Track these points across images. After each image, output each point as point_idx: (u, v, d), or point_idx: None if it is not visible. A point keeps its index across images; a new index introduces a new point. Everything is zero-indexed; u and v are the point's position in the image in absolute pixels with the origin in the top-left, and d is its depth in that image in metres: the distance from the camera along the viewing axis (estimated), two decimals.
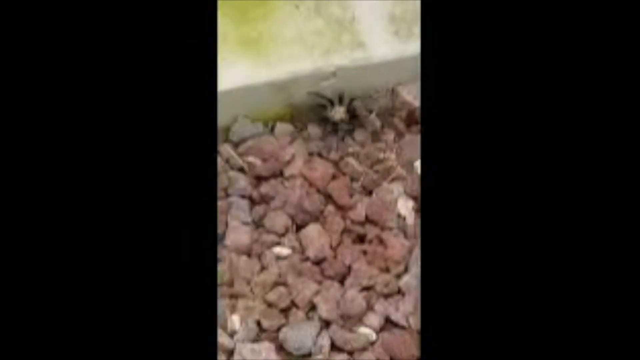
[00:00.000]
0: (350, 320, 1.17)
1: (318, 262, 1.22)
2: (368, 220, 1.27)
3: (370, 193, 1.30)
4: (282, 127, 1.34)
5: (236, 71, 1.28)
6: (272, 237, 1.24)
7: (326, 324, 1.17)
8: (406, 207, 1.28)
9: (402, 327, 1.17)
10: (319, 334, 1.16)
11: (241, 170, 1.30)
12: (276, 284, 1.21)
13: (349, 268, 1.22)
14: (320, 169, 1.30)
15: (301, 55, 1.33)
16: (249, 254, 1.23)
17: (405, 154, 1.33)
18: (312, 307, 1.19)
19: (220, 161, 1.29)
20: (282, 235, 1.25)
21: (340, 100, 1.34)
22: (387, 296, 1.20)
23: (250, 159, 1.30)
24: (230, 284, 1.20)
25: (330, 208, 1.28)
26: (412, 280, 1.20)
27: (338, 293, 1.19)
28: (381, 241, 1.25)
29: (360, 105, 1.35)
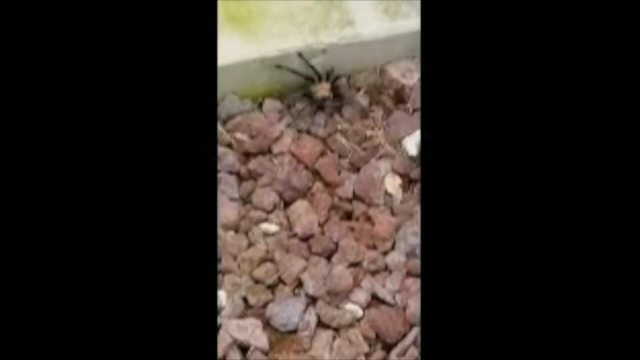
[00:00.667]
0: (337, 296, 1.17)
1: (305, 239, 1.23)
2: (355, 197, 1.27)
3: (358, 170, 1.30)
4: (271, 104, 1.34)
5: (225, 48, 1.27)
6: (259, 214, 1.25)
7: (313, 300, 1.18)
8: (393, 185, 1.28)
9: (389, 304, 1.17)
10: (305, 310, 1.17)
11: (229, 146, 1.29)
12: (263, 260, 1.21)
13: (336, 245, 1.22)
14: (309, 146, 1.30)
15: (290, 33, 1.33)
16: (236, 230, 1.24)
17: (393, 131, 1.33)
18: (299, 284, 1.19)
19: None
20: (270, 211, 1.25)
21: (327, 77, 1.34)
22: (374, 273, 1.20)
23: (239, 135, 1.30)
24: (217, 259, 1.20)
25: (318, 185, 1.28)
26: (399, 257, 1.21)
27: (325, 269, 1.19)
28: (368, 218, 1.25)
29: (344, 84, 1.35)
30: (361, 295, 1.17)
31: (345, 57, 1.35)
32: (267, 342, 1.14)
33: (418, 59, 1.39)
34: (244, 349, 1.14)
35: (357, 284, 1.19)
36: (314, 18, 1.35)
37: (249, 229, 1.24)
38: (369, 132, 1.33)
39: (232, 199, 1.25)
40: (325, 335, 1.15)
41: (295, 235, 1.23)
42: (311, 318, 1.16)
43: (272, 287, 1.19)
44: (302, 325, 1.15)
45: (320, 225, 1.24)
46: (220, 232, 1.22)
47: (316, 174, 1.29)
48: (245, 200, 1.26)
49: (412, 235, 1.22)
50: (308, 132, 1.32)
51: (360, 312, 1.17)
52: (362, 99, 1.36)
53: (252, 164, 1.28)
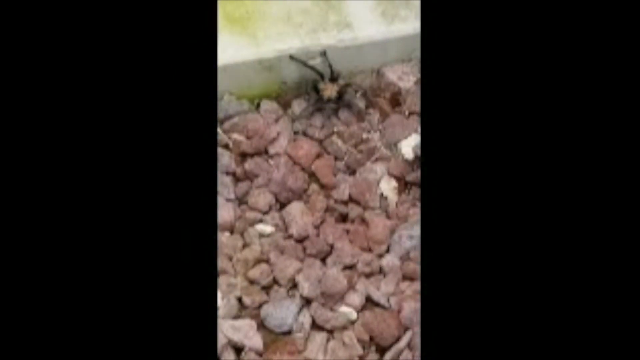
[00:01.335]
0: (332, 298, 1.17)
1: (301, 240, 1.23)
2: (351, 199, 1.28)
3: (353, 172, 1.30)
4: (268, 105, 1.34)
5: (222, 48, 1.27)
6: (255, 215, 1.25)
7: (307, 301, 1.18)
8: (389, 188, 1.29)
9: (383, 307, 1.18)
10: (300, 311, 1.17)
11: (226, 147, 1.30)
12: (258, 261, 1.21)
13: (331, 247, 1.22)
14: (305, 148, 1.30)
15: (288, 34, 1.33)
16: (231, 231, 1.24)
17: (389, 134, 1.34)
18: (294, 285, 1.19)
19: None
20: (266, 212, 1.26)
21: (334, 78, 1.34)
22: (368, 275, 1.21)
23: (235, 136, 1.31)
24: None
25: (314, 187, 1.28)
26: (393, 260, 1.21)
27: (320, 271, 1.19)
28: (363, 220, 1.26)
29: (351, 91, 1.36)
30: (355, 298, 1.18)
31: (343, 60, 1.36)
32: (261, 343, 1.14)
33: (415, 62, 1.39)
34: (238, 349, 1.14)
35: (351, 286, 1.19)
36: (311, 20, 1.35)
37: (245, 230, 1.24)
38: (365, 135, 1.34)
39: (228, 200, 1.26)
40: (320, 337, 1.15)
41: (290, 236, 1.23)
42: (305, 320, 1.16)
43: (267, 288, 1.19)
44: (296, 326, 1.16)
45: (316, 227, 1.24)
46: None
47: (312, 176, 1.29)
48: (241, 200, 1.27)
49: (407, 238, 1.22)
50: (304, 134, 1.33)
51: (354, 315, 1.17)
52: (359, 102, 1.36)
53: (248, 165, 1.28)
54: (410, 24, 1.37)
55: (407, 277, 1.20)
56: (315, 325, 1.17)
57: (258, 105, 1.34)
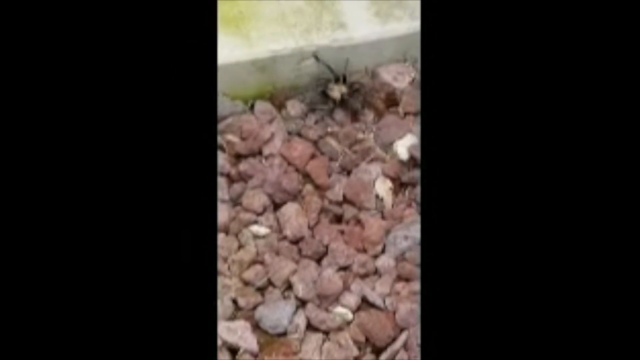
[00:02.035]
0: (327, 299, 1.17)
1: (295, 242, 1.22)
2: (346, 200, 1.27)
3: (348, 173, 1.30)
4: (262, 106, 1.34)
5: None
6: (249, 216, 1.24)
7: (302, 303, 1.18)
8: (384, 188, 1.28)
9: (379, 308, 1.17)
10: (295, 313, 1.17)
11: (220, 148, 1.29)
12: (253, 262, 1.21)
13: (326, 248, 1.22)
14: (299, 148, 1.30)
15: (282, 35, 1.33)
16: (226, 232, 1.23)
17: (384, 134, 1.33)
18: (289, 286, 1.19)
19: None
20: (260, 214, 1.25)
21: (344, 79, 1.34)
22: (363, 276, 1.20)
23: (229, 137, 1.30)
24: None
25: (309, 187, 1.28)
26: (388, 260, 1.21)
27: (315, 272, 1.19)
28: (358, 221, 1.25)
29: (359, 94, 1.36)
30: (351, 299, 1.17)
31: (337, 60, 1.35)
32: (256, 344, 1.14)
33: (410, 62, 1.39)
34: (233, 351, 1.14)
35: (346, 287, 1.19)
36: (305, 20, 1.35)
37: (239, 231, 1.23)
38: (360, 135, 1.34)
39: (223, 201, 1.25)
40: (315, 338, 1.15)
41: (285, 237, 1.23)
42: (301, 321, 1.16)
43: (261, 290, 1.19)
44: (291, 328, 1.15)
45: (311, 228, 1.24)
46: None
47: (307, 177, 1.29)
48: (236, 202, 1.26)
49: (402, 239, 1.22)
50: (299, 135, 1.32)
51: (349, 316, 1.17)
52: (355, 102, 1.36)
53: (243, 166, 1.28)
54: (404, 23, 1.37)
55: (402, 278, 1.20)
56: (311, 327, 1.16)
57: (252, 106, 1.34)
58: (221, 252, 1.20)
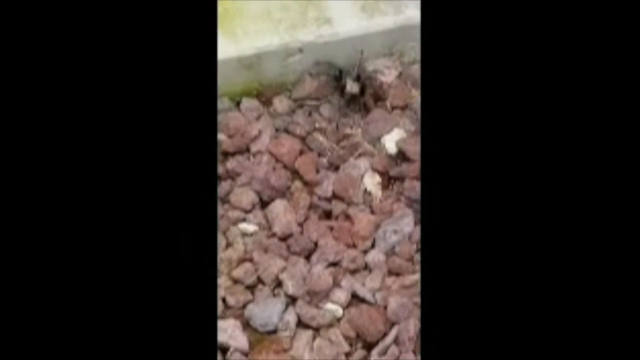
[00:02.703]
0: (317, 296, 1.16)
1: (284, 238, 1.22)
2: (335, 196, 1.27)
3: (337, 169, 1.30)
4: (249, 103, 1.33)
5: None
6: (238, 213, 1.24)
7: (292, 300, 1.17)
8: (373, 183, 1.28)
9: (369, 303, 1.16)
10: (285, 310, 1.16)
11: None
12: (242, 260, 1.20)
13: (316, 244, 1.21)
14: (287, 145, 1.29)
15: (267, 31, 1.32)
16: None
17: (372, 129, 1.33)
18: (278, 284, 1.18)
19: None
20: (249, 211, 1.24)
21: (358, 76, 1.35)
22: (353, 272, 1.20)
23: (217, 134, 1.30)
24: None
25: (297, 184, 1.27)
26: (378, 255, 1.20)
27: (304, 269, 1.18)
28: (347, 217, 1.24)
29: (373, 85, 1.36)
30: (341, 295, 1.17)
31: (323, 56, 1.35)
32: (246, 342, 1.13)
33: (396, 56, 1.38)
34: (223, 350, 1.13)
35: (336, 283, 1.18)
36: (291, 16, 1.34)
37: (227, 229, 1.23)
38: (347, 131, 1.33)
39: None
40: (306, 335, 1.14)
41: (274, 234, 1.22)
42: (291, 318, 1.15)
43: (251, 288, 1.18)
44: (281, 325, 1.14)
45: (299, 224, 1.23)
46: None
47: (295, 173, 1.28)
48: (224, 200, 1.25)
49: (391, 233, 1.21)
50: (286, 131, 1.32)
51: (340, 312, 1.16)
52: (340, 97, 1.36)
53: (230, 164, 1.27)
54: (390, 18, 1.36)
55: (392, 273, 1.19)
56: (301, 324, 1.16)
57: (238, 103, 1.33)
58: None
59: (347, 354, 1.13)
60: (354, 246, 1.22)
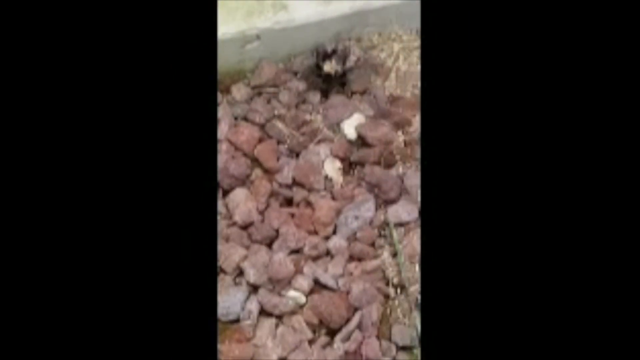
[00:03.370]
0: (279, 284, 1.15)
1: (245, 227, 1.21)
2: (295, 182, 1.26)
3: (297, 155, 1.29)
4: None
5: None
6: None
7: (254, 288, 1.16)
8: (333, 169, 1.27)
9: (331, 289, 1.16)
10: (247, 299, 1.15)
11: None
12: None
13: (277, 231, 1.21)
14: (246, 133, 1.28)
15: (224, 19, 1.31)
16: None
17: (332, 115, 1.32)
18: (240, 272, 1.17)
19: None
20: None
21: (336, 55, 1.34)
22: (315, 258, 1.19)
23: None
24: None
25: (257, 172, 1.26)
26: (340, 241, 1.20)
27: (266, 257, 1.17)
28: (309, 203, 1.24)
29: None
30: (303, 282, 1.16)
31: (281, 42, 1.34)
32: None
33: (354, 41, 1.38)
34: None
35: (298, 270, 1.17)
36: (247, 3, 1.33)
37: None
38: (307, 117, 1.32)
39: None
40: (268, 323, 1.14)
41: (234, 223, 1.21)
42: (253, 306, 1.14)
43: None
44: (244, 314, 1.14)
45: (260, 212, 1.22)
46: None
47: (255, 161, 1.27)
48: None
49: (353, 219, 1.20)
50: (245, 119, 1.31)
51: (303, 299, 1.15)
52: (299, 83, 1.35)
53: None
54: (347, 3, 1.36)
55: (354, 258, 1.19)
56: (264, 312, 1.15)
57: None
58: None
59: (311, 341, 1.13)
60: (316, 233, 1.21)
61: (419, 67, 1.37)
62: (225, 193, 1.24)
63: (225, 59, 1.32)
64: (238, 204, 1.22)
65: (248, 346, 1.11)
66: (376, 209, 1.22)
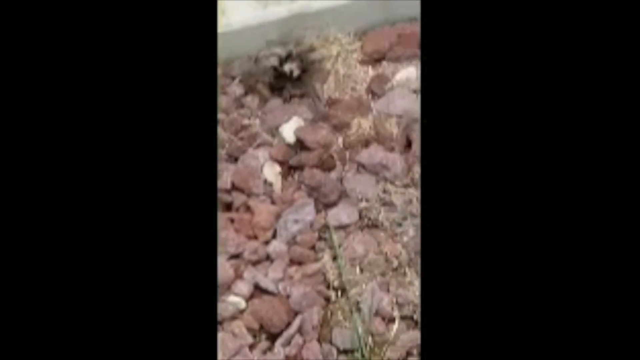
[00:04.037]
0: (219, 289, 1.15)
1: None
2: (234, 187, 1.25)
3: (236, 160, 1.28)
4: None
5: None
6: None
7: None
8: (272, 173, 1.27)
9: (272, 293, 1.16)
10: None
11: None
12: None
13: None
14: None
15: None
16: None
17: (270, 119, 1.32)
18: None
19: None
20: None
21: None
22: (255, 263, 1.19)
23: None
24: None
25: None
26: (280, 245, 1.19)
27: None
28: (248, 208, 1.23)
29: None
30: (243, 287, 1.15)
31: (219, 47, 1.33)
32: None
33: (292, 45, 1.38)
34: None
35: (238, 275, 1.17)
36: None
37: None
38: (245, 121, 1.32)
39: None
40: None
41: None
42: None
43: None
44: None
45: None
46: None
47: None
48: None
49: (292, 222, 1.20)
50: None
51: (243, 304, 1.15)
52: (237, 88, 1.35)
53: None
54: (284, 6, 1.36)
55: (294, 262, 1.19)
56: None
57: None
58: None
59: (251, 346, 1.12)
60: (255, 237, 1.21)
61: (357, 70, 1.38)
62: None
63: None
64: None
65: None
66: (316, 213, 1.22)
